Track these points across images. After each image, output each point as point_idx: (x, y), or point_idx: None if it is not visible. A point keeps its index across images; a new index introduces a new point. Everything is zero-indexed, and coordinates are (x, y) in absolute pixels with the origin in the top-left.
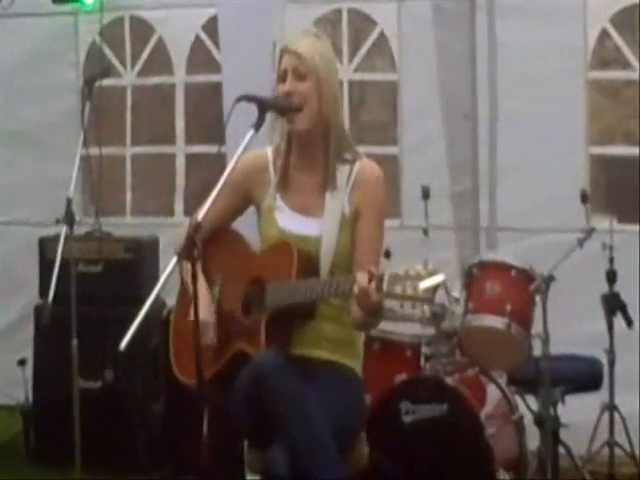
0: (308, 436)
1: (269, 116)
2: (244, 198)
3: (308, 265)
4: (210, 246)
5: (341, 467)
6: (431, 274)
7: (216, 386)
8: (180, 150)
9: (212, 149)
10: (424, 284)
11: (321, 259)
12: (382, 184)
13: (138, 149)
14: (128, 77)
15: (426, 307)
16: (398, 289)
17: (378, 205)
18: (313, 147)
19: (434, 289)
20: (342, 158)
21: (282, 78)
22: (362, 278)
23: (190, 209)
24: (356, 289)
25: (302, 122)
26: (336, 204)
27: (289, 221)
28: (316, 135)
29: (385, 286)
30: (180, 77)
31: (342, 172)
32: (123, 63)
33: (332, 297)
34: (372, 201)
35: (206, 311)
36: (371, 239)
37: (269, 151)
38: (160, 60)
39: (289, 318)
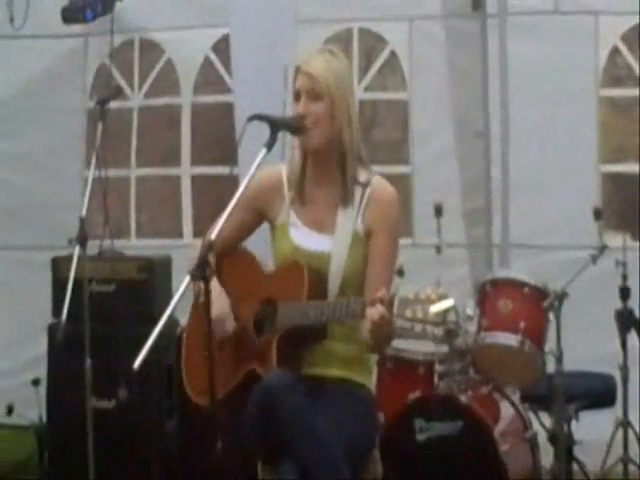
0: (319, 456)
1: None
2: (257, 215)
3: (318, 283)
4: (222, 265)
5: None
6: (441, 298)
7: (228, 407)
8: (186, 171)
9: (219, 170)
10: (434, 308)
11: (330, 276)
12: (396, 203)
13: (144, 170)
14: (135, 99)
15: (436, 330)
16: (408, 312)
17: (391, 223)
18: (328, 164)
19: (444, 313)
20: (356, 180)
21: (296, 98)
22: (376, 310)
23: (199, 230)
24: (370, 323)
25: (313, 140)
26: (348, 221)
27: (302, 237)
28: (331, 153)
29: (395, 309)
30: (187, 98)
31: (356, 191)
32: (131, 85)
33: (343, 319)
34: (385, 219)
35: (222, 304)
36: (384, 257)
37: (283, 168)
38: (168, 81)
39: (300, 339)
